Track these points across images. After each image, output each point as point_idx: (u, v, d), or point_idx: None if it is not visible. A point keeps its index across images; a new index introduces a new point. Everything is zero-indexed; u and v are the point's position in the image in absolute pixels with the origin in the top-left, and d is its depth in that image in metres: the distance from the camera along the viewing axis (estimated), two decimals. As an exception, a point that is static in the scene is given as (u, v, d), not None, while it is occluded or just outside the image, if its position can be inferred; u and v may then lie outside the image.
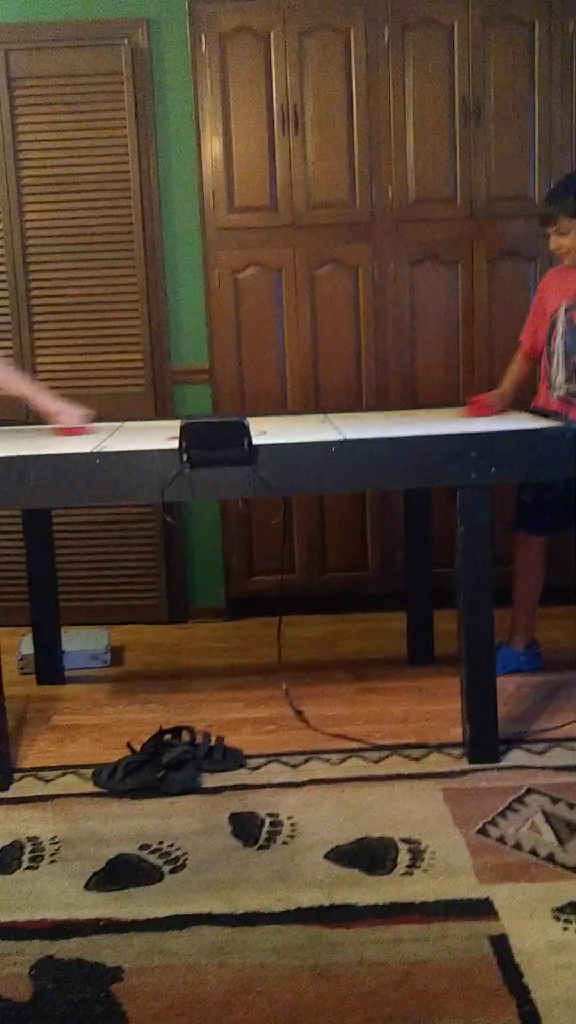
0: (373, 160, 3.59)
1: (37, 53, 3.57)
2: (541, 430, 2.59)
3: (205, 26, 3.49)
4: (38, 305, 3.73)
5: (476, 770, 2.55)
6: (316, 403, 3.71)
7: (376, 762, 2.63)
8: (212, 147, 3.58)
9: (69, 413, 2.90)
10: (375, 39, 3.51)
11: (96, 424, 3.03)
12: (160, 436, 2.68)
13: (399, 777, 2.53)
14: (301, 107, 3.55)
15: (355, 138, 3.58)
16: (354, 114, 3.56)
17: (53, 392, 2.99)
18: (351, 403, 3.69)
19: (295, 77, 3.53)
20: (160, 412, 3.75)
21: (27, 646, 3.37)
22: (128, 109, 3.60)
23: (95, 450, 2.49)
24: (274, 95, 3.54)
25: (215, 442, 2.44)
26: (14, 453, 2.50)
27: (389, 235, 3.64)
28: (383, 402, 3.69)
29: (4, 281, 3.72)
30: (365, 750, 2.69)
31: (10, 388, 2.92)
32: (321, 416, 3.18)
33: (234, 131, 3.57)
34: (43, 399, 2.92)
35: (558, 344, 2.95)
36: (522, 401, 3.09)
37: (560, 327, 2.95)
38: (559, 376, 2.95)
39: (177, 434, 2.44)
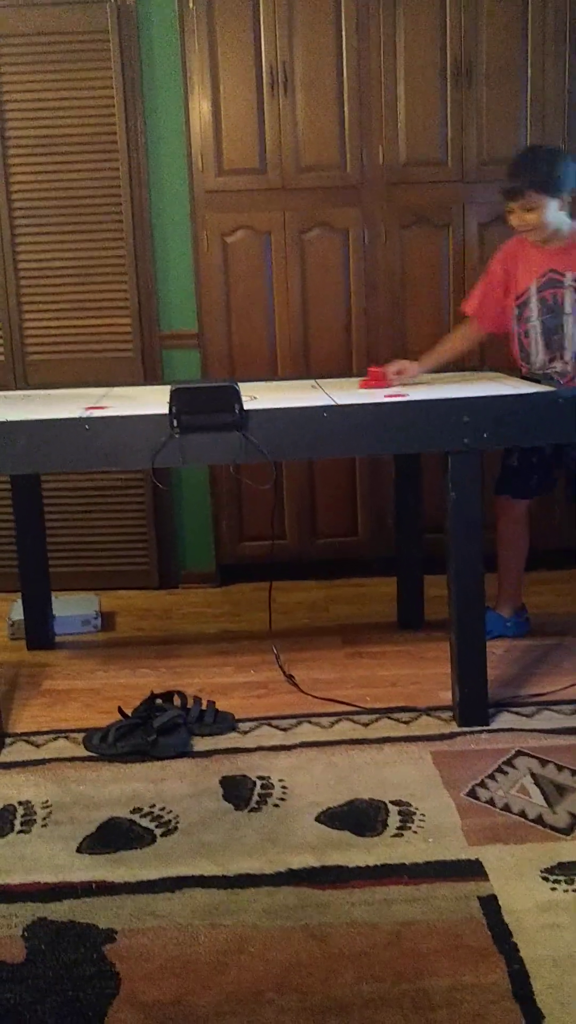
0: (363, 122, 3.55)
1: (21, 9, 3.50)
2: (533, 394, 2.58)
3: (193, -17, 3.43)
4: (25, 269, 3.69)
5: (465, 733, 2.57)
6: (306, 368, 3.69)
7: (366, 725, 2.64)
8: (200, 108, 3.53)
9: None
10: (366, -3, 3.46)
11: (83, 389, 3.00)
12: (151, 401, 2.66)
13: (389, 740, 2.55)
14: (290, 67, 3.50)
15: (345, 100, 3.53)
16: (344, 75, 3.51)
17: None
18: (342, 368, 3.67)
19: (284, 37, 3.47)
20: (149, 377, 3.73)
21: (17, 611, 3.37)
22: (114, 68, 3.54)
23: (83, 415, 2.47)
24: (263, 55, 3.49)
25: (205, 407, 2.43)
26: (2, 418, 2.48)
27: (379, 198, 3.61)
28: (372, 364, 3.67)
29: (-10, 244, 3.67)
30: (355, 713, 2.71)
31: None
32: (311, 381, 3.16)
33: (222, 91, 3.52)
34: None
35: (534, 324, 2.94)
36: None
37: (534, 307, 2.93)
38: (539, 356, 2.95)
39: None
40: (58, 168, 3.61)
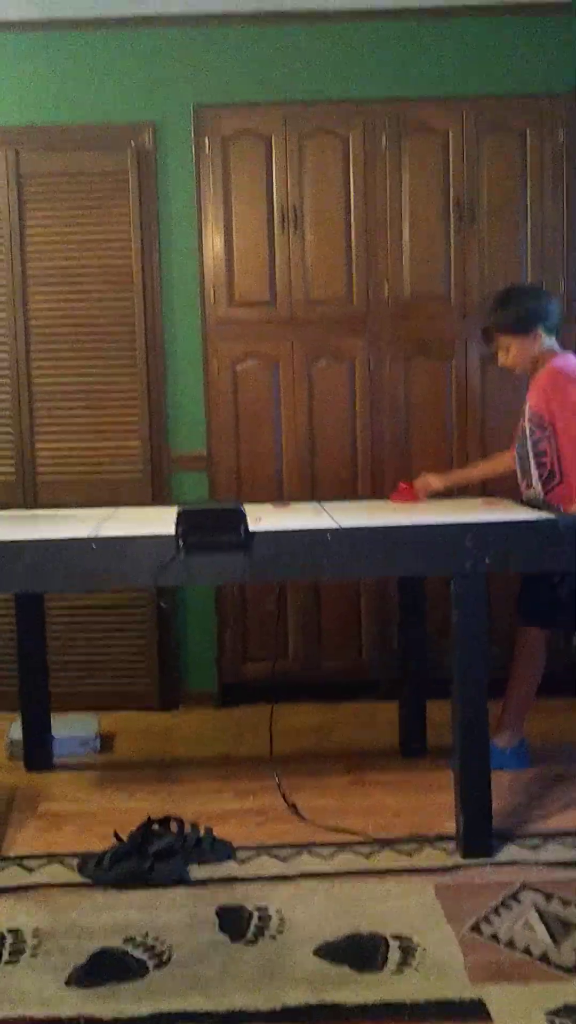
0: (369, 258, 3.70)
1: (46, 153, 3.71)
2: (535, 521, 2.61)
3: (209, 129, 3.64)
4: (40, 392, 3.79)
5: (469, 865, 2.50)
6: (312, 492, 3.74)
7: (368, 856, 2.58)
8: (214, 243, 3.69)
9: None
10: (373, 143, 3.66)
11: (88, 510, 3.03)
12: (157, 521, 2.69)
13: (391, 872, 2.48)
14: (300, 207, 3.68)
15: (352, 237, 3.70)
16: (352, 214, 3.69)
17: None
18: (347, 492, 3.73)
19: (295, 178, 3.66)
20: (158, 498, 3.78)
21: (16, 731, 3.33)
22: (132, 206, 3.72)
23: (91, 535, 2.51)
24: (274, 195, 3.67)
25: (211, 528, 2.46)
26: (9, 537, 2.51)
27: (384, 330, 3.73)
28: (378, 491, 3.72)
29: (7, 368, 3.78)
30: (357, 844, 2.64)
31: None
32: (316, 504, 3.21)
33: (235, 228, 3.69)
34: None
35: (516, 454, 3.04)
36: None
37: (519, 437, 3.03)
38: (520, 483, 3.03)
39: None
40: (76, 298, 3.76)
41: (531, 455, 2.96)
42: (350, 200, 3.68)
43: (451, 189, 3.69)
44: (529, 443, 2.96)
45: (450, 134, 3.67)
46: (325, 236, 3.70)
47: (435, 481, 3.12)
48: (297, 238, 3.69)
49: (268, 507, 3.11)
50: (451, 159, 3.68)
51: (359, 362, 3.74)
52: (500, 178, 3.69)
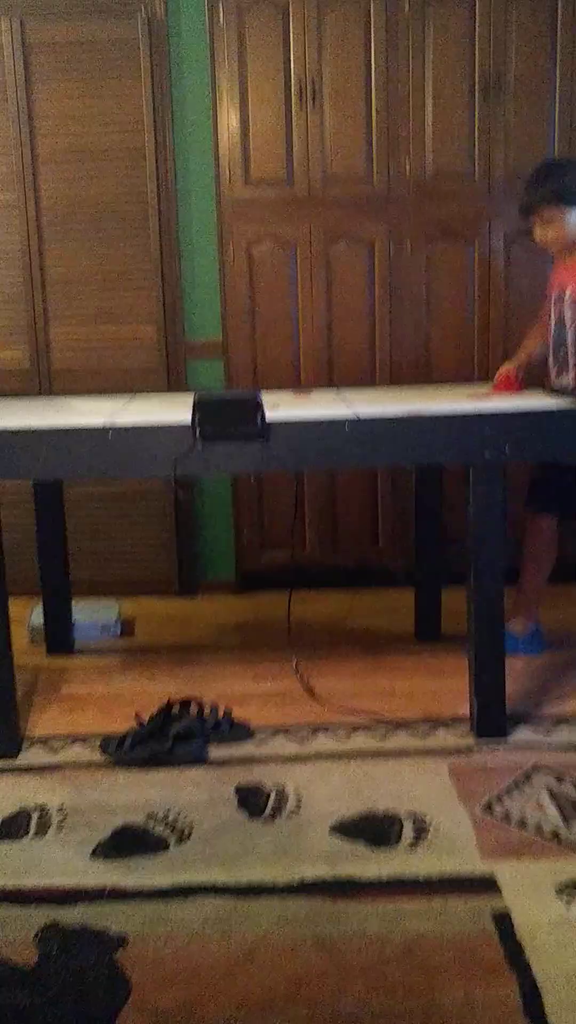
0: (391, 134, 3.56)
1: (52, 20, 3.55)
2: (556, 411, 2.57)
3: (223, -5, 3.46)
4: (52, 278, 3.72)
5: (482, 747, 2.56)
6: (330, 378, 3.70)
7: (383, 738, 2.64)
8: (229, 119, 3.55)
9: None
10: (395, 11, 3.47)
11: (104, 397, 3.00)
12: (174, 410, 2.67)
13: (405, 753, 2.55)
14: (319, 80, 3.52)
15: (373, 112, 3.55)
16: (372, 87, 3.53)
17: None
18: (364, 379, 3.68)
19: (313, 49, 3.49)
20: (173, 386, 3.75)
21: (38, 616, 3.39)
22: (144, 79, 3.57)
23: (107, 424, 2.49)
24: (292, 68, 3.51)
25: (228, 417, 2.44)
26: (25, 425, 2.50)
27: (406, 211, 3.61)
28: (396, 378, 3.68)
29: (19, 252, 3.71)
30: (372, 725, 2.70)
31: None
32: (336, 391, 3.17)
33: (251, 103, 3.54)
34: None
35: (551, 339, 2.96)
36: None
37: (552, 320, 2.95)
38: (551, 370, 2.96)
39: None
40: (86, 178, 3.65)
41: (572, 343, 2.88)
42: (371, 74, 3.52)
43: (476, 59, 3.51)
44: (571, 332, 2.88)
45: (476, 2, 3.47)
46: (344, 111, 3.55)
47: (512, 368, 3.06)
48: (315, 113, 3.54)
49: (288, 395, 3.08)
50: (477, 28, 3.49)
51: (379, 245, 3.64)
52: (528, 47, 3.51)
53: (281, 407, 2.65)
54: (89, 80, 3.58)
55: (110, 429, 2.46)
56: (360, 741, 2.62)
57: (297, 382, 3.69)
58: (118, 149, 3.63)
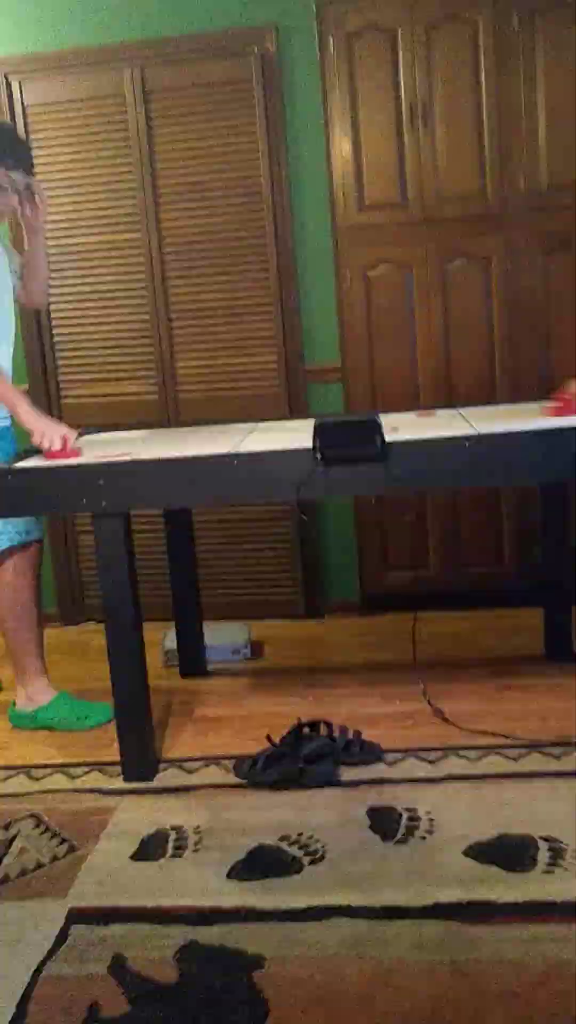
0: (504, 150, 3.54)
1: (170, 66, 3.68)
2: None
3: (333, 27, 3.52)
4: (177, 310, 3.84)
5: (619, 769, 2.50)
6: (449, 399, 3.68)
7: (515, 759, 2.60)
8: (341, 146, 3.60)
9: (49, 435, 2.69)
10: (503, 27, 3.46)
11: (229, 425, 3.07)
12: (293, 435, 2.71)
13: (539, 775, 2.51)
14: (429, 101, 3.54)
15: (484, 129, 3.54)
16: (483, 105, 3.52)
17: (34, 408, 2.81)
18: (485, 397, 3.65)
19: (423, 71, 3.51)
20: (294, 411, 3.81)
21: (171, 640, 3.49)
22: (259, 114, 3.66)
23: (232, 451, 2.55)
24: (402, 91, 3.54)
25: (348, 440, 2.47)
26: (155, 455, 2.59)
27: (521, 225, 3.58)
28: (518, 396, 3.63)
29: (144, 288, 3.84)
30: (504, 747, 2.67)
31: None
32: (452, 411, 3.16)
33: (363, 129, 3.58)
34: (24, 413, 2.75)
35: None
36: None
37: None
38: None
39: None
40: (206, 212, 3.76)
41: None
42: (481, 90, 3.51)
43: (590, 68, 3.47)
44: None
45: (588, 7, 3.44)
46: (456, 130, 3.55)
47: None
48: (427, 134, 3.56)
49: (411, 416, 3.08)
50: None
51: (495, 261, 3.62)
52: None
53: (401, 429, 2.66)
54: (206, 119, 3.70)
55: (235, 456, 2.52)
56: (492, 763, 2.60)
57: (417, 403, 3.69)
58: (235, 184, 3.73)
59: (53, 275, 3.86)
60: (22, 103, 3.78)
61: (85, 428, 3.20)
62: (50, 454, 2.68)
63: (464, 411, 3.07)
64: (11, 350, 3.00)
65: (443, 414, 3.09)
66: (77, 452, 2.71)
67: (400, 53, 3.51)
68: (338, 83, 3.55)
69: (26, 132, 3.77)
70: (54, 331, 3.94)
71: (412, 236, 3.64)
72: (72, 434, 2.74)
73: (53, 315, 3.92)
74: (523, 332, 3.66)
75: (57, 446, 2.68)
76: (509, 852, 2.17)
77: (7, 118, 3.76)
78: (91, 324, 3.92)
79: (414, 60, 3.51)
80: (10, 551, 2.95)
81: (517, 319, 3.65)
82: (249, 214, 3.75)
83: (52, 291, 3.88)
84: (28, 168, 2.89)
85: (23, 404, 2.77)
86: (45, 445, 2.69)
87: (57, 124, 3.78)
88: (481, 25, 3.47)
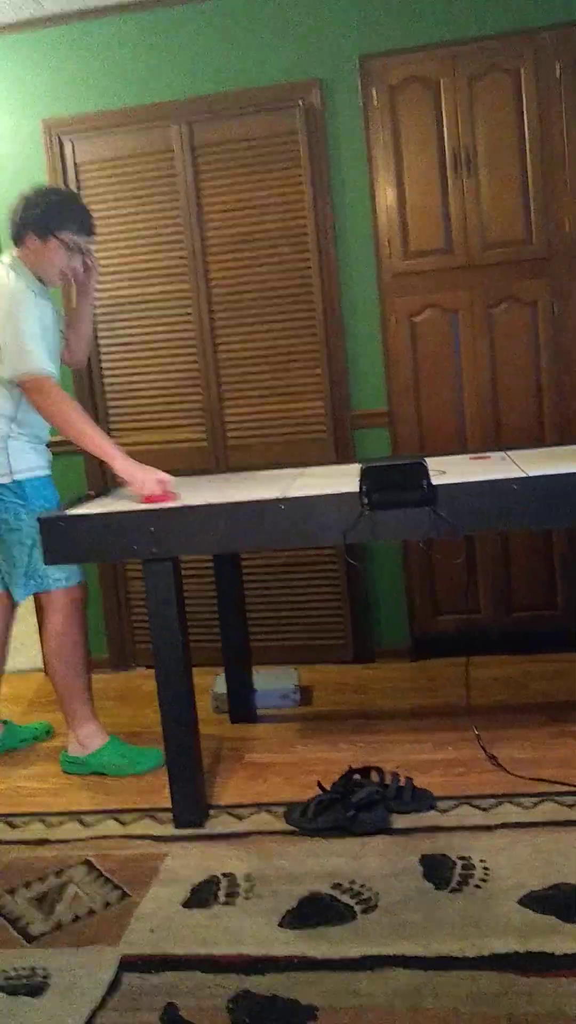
0: (547, 195, 3.57)
1: (217, 121, 3.77)
2: None
3: (376, 80, 3.59)
4: (225, 359, 3.90)
5: None
6: (497, 442, 3.68)
7: (571, 807, 2.55)
8: (386, 195, 3.66)
9: (149, 482, 2.78)
10: (546, 76, 3.51)
11: (277, 471, 3.10)
12: (340, 480, 2.73)
13: (595, 823, 2.46)
14: (473, 149, 3.58)
15: (529, 175, 3.57)
16: (527, 150, 3.56)
17: (129, 456, 2.88)
18: (533, 440, 3.64)
19: (466, 120, 3.57)
20: (341, 456, 3.83)
21: (221, 685, 3.49)
22: (304, 166, 3.73)
23: (280, 496, 2.57)
24: (446, 139, 3.59)
25: (394, 483, 2.47)
26: (205, 501, 2.62)
27: (566, 268, 3.60)
28: (567, 438, 3.62)
29: (193, 336, 3.91)
30: (559, 794, 2.63)
31: (88, 444, 2.86)
32: (501, 454, 3.15)
33: (407, 178, 3.64)
34: (123, 463, 2.82)
35: None
36: None
37: None
38: None
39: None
40: (253, 262, 3.83)
41: None
42: (524, 136, 3.55)
43: None
44: None
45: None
46: (500, 176, 3.59)
47: None
48: (471, 182, 3.60)
49: (464, 459, 3.08)
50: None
51: (541, 305, 3.63)
52: None
53: (449, 472, 2.67)
54: (252, 172, 3.78)
55: (283, 501, 2.54)
56: (547, 811, 2.55)
57: (463, 447, 3.69)
58: (281, 234, 3.80)
59: (104, 325, 3.95)
60: (74, 160, 3.89)
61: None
62: (150, 499, 2.75)
63: (517, 453, 3.06)
64: None
65: (495, 457, 3.08)
66: (176, 495, 2.77)
67: (443, 103, 3.57)
68: (382, 134, 3.62)
69: (78, 188, 3.88)
70: (105, 379, 4.02)
71: (457, 282, 3.66)
72: (169, 478, 2.80)
73: (104, 364, 4.00)
74: (570, 375, 3.65)
75: (158, 490, 2.76)
76: (566, 901, 2.12)
77: (60, 175, 3.88)
78: (141, 372, 3.99)
79: (456, 110, 3.57)
80: (55, 595, 2.99)
81: (563, 362, 3.65)
82: (295, 263, 3.81)
83: (103, 340, 3.98)
84: (91, 232, 2.99)
85: (120, 454, 2.85)
86: (146, 492, 2.76)
87: (108, 180, 3.88)
88: (523, 73, 3.51)
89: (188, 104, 3.79)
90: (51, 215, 2.91)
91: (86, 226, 2.98)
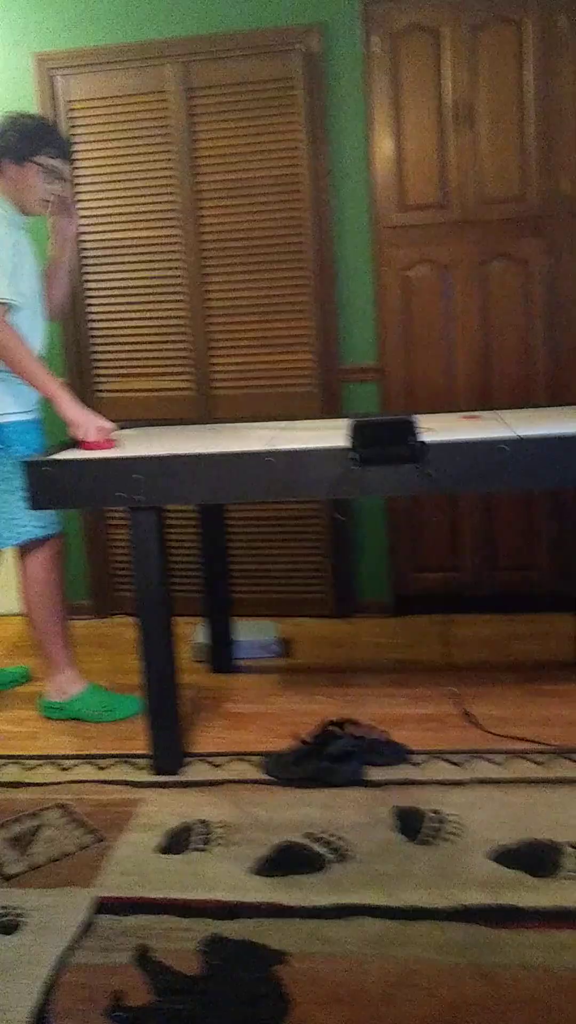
0: (546, 153, 3.52)
1: (214, 63, 3.69)
2: None
3: (378, 26, 3.52)
4: (214, 307, 3.85)
5: None
6: (487, 400, 3.67)
7: (543, 764, 2.59)
8: (383, 146, 3.60)
9: (88, 427, 2.74)
10: (550, 29, 3.44)
11: (265, 423, 3.08)
12: (327, 434, 2.72)
13: (567, 781, 2.49)
14: (473, 101, 3.52)
15: (528, 131, 3.52)
16: (527, 106, 3.50)
17: (76, 398, 2.82)
18: (523, 400, 3.63)
19: (467, 72, 3.50)
20: (329, 410, 3.81)
21: (202, 635, 3.50)
22: (301, 113, 3.66)
23: (267, 449, 2.56)
24: (447, 91, 3.53)
25: (383, 440, 2.47)
26: (191, 451, 2.60)
27: (563, 228, 3.56)
28: (558, 398, 3.61)
29: (182, 284, 3.86)
30: (532, 752, 2.66)
31: (35, 381, 2.78)
32: (493, 413, 3.14)
33: (405, 129, 3.58)
34: (65, 404, 2.77)
35: None
36: None
37: None
38: None
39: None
40: (246, 210, 3.77)
41: None
42: (524, 93, 3.49)
43: None
44: None
45: None
46: (499, 131, 3.53)
47: None
48: (470, 135, 3.54)
49: (456, 418, 3.07)
50: None
51: (536, 262, 3.60)
52: None
53: (438, 430, 2.66)
54: (248, 117, 3.70)
55: (270, 454, 2.53)
56: (520, 768, 2.58)
57: (454, 405, 3.67)
58: (276, 182, 3.73)
59: (92, 269, 3.89)
60: (65, 98, 3.81)
61: (125, 422, 3.22)
62: (87, 445, 2.71)
63: (508, 413, 3.05)
64: (42, 341, 3.00)
65: (488, 416, 3.07)
66: (113, 443, 2.73)
67: (445, 53, 3.50)
68: (382, 82, 3.55)
69: (69, 126, 3.79)
70: (91, 325, 3.97)
71: (452, 237, 3.62)
72: (110, 426, 2.76)
73: (89, 308, 3.95)
74: (563, 335, 3.63)
75: (95, 437, 2.70)
76: (535, 857, 2.16)
77: (50, 113, 3.79)
78: (128, 319, 3.94)
79: (458, 60, 3.50)
80: (33, 545, 2.98)
81: (557, 321, 3.63)
82: (289, 212, 3.75)
83: (90, 285, 3.92)
84: (69, 156, 2.94)
85: (64, 395, 2.79)
86: (83, 436, 2.72)
87: (100, 119, 3.80)
88: (527, 26, 3.45)
89: (185, 43, 3.70)
90: (27, 139, 2.84)
91: (64, 150, 2.91)
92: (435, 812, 2.38)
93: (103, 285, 3.93)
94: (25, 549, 3.00)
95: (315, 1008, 1.74)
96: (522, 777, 2.53)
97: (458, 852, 2.20)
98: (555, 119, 3.50)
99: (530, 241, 3.59)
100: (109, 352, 3.98)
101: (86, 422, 2.74)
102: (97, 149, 3.81)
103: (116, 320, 3.95)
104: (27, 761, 2.81)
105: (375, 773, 2.59)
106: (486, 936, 1.90)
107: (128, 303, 3.93)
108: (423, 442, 2.44)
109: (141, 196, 3.83)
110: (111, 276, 3.92)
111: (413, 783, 2.53)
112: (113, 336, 3.97)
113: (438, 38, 3.50)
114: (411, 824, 2.33)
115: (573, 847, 2.18)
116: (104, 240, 3.88)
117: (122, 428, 3.14)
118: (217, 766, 2.71)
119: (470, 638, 3.61)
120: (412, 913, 1.99)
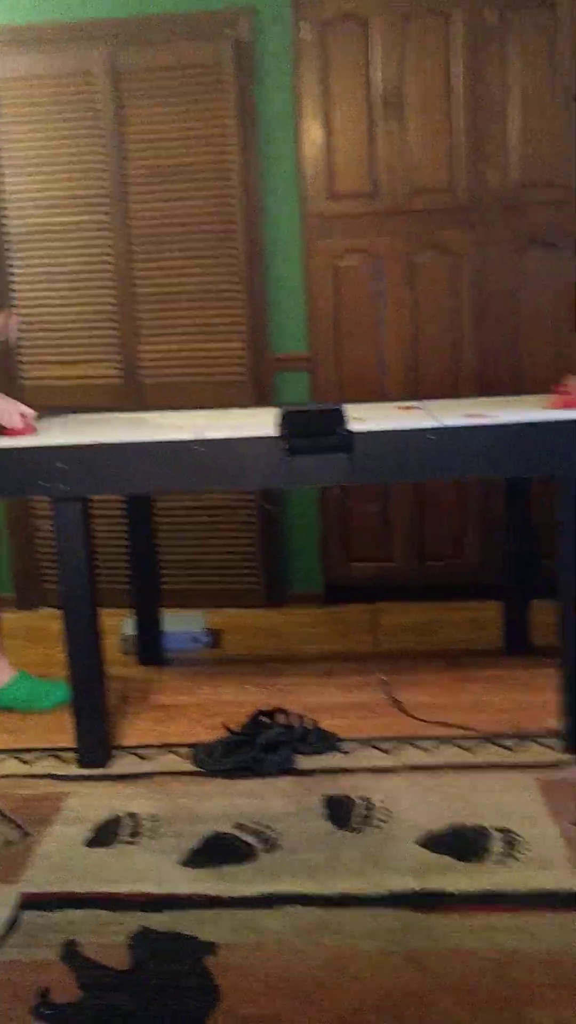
0: (475, 145, 3.55)
1: (142, 47, 3.63)
2: None
3: (308, 13, 3.50)
4: (142, 294, 3.80)
5: (574, 762, 2.52)
6: (416, 391, 3.69)
7: (471, 751, 2.62)
8: (313, 135, 3.59)
9: (11, 414, 2.65)
10: (479, 21, 3.46)
11: (195, 411, 3.05)
12: (256, 422, 2.70)
13: (494, 767, 2.52)
14: (402, 92, 3.53)
15: (456, 122, 3.54)
16: (456, 98, 3.52)
17: None
18: (451, 391, 3.66)
19: (396, 62, 3.51)
20: (260, 400, 3.79)
21: (129, 627, 3.46)
22: (231, 100, 3.62)
23: (195, 437, 2.53)
24: (376, 80, 3.53)
25: (313, 429, 2.46)
26: (117, 440, 2.56)
27: (493, 220, 3.59)
28: (485, 390, 3.65)
29: (110, 270, 3.80)
30: (461, 739, 2.68)
31: None
32: (419, 403, 3.15)
33: (335, 118, 3.57)
34: None
35: None
36: None
37: None
38: None
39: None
40: (175, 196, 3.72)
41: None
42: (453, 84, 3.51)
43: (563, 67, 3.47)
44: None
45: (558, 9, 3.43)
46: (428, 122, 3.55)
47: None
48: (399, 125, 3.55)
49: (391, 408, 3.06)
50: (561, 35, 3.45)
51: (466, 254, 3.63)
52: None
53: (367, 420, 2.66)
54: (177, 102, 3.65)
55: (198, 443, 2.50)
56: (449, 754, 2.61)
57: (384, 395, 3.68)
58: (205, 168, 3.69)
59: (16, 253, 3.81)
60: (-10, 78, 3.72)
61: (50, 410, 3.15)
62: (8, 432, 2.65)
63: (438, 403, 3.05)
64: None
65: (422, 408, 3.07)
66: (35, 430, 2.67)
67: (374, 42, 3.50)
68: (311, 70, 3.54)
69: (-6, 108, 3.71)
70: (15, 310, 3.88)
71: (382, 227, 3.63)
72: (31, 412, 2.70)
73: (16, 294, 3.87)
74: (491, 327, 3.67)
75: (15, 424, 2.64)
76: (463, 842, 2.18)
77: (-25, 93, 3.70)
78: (53, 305, 3.86)
79: (388, 50, 3.50)
80: None
81: (486, 314, 3.66)
82: (219, 199, 3.71)
83: (16, 269, 3.84)
84: None
85: None
86: (5, 423, 2.65)
87: (25, 99, 3.71)
88: (456, 17, 3.46)
89: (113, 25, 3.63)
90: None
91: None
92: (364, 799, 2.39)
93: (28, 270, 3.85)
94: None
95: (244, 998, 1.73)
96: (450, 763, 2.55)
97: (387, 839, 2.21)
98: (483, 111, 3.53)
99: (459, 233, 3.61)
100: (34, 339, 3.90)
101: (7, 409, 2.68)
102: (24, 131, 3.72)
103: (41, 306, 3.87)
104: (-50, 756, 2.75)
105: (304, 762, 2.59)
106: (416, 921, 1.92)
107: (54, 289, 3.85)
108: (351, 431, 2.44)
109: (68, 179, 3.76)
110: (36, 261, 3.84)
111: (342, 771, 2.54)
112: (38, 322, 3.88)
113: (367, 27, 3.50)
114: (340, 812, 2.34)
115: (500, 832, 2.21)
116: (30, 224, 3.80)
117: (46, 416, 3.08)
118: (145, 758, 2.68)
119: (400, 626, 3.63)
120: (342, 901, 1.99)
